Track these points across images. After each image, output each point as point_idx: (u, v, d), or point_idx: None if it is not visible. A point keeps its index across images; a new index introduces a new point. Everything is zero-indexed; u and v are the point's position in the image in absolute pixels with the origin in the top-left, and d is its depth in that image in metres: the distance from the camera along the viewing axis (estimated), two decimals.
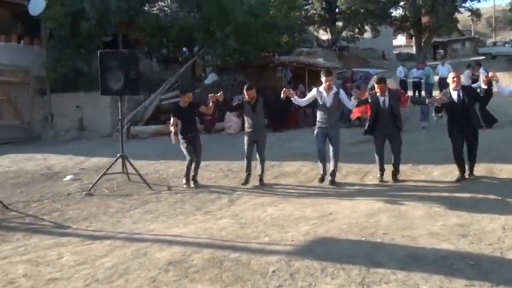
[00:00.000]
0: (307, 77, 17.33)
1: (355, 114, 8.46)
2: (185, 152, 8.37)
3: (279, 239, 5.15)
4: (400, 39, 52.72)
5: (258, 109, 8.30)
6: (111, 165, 8.81)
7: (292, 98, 8.23)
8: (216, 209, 6.91)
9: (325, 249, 4.72)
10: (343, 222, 5.72)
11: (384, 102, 7.78)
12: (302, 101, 8.57)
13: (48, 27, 17.33)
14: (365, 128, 8.15)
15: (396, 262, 4.30)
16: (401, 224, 5.49)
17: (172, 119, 8.40)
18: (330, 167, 7.95)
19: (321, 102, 7.95)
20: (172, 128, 8.42)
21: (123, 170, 8.93)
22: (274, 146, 8.52)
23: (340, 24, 38.93)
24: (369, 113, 8.00)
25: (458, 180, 7.53)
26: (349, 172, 8.58)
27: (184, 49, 21.13)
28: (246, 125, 8.41)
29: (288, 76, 17.52)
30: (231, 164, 9.39)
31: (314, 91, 8.14)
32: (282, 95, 8.10)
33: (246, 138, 8.37)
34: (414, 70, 19.27)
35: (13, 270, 4.81)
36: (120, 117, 9.33)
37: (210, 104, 8.46)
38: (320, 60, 20.18)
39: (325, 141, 7.97)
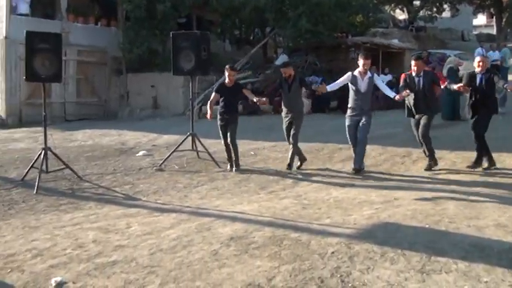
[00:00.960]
0: (380, 58, 16.88)
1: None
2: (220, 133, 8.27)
3: (341, 222, 5.13)
4: (481, 19, 49.38)
5: (293, 88, 7.99)
6: (181, 143, 9.11)
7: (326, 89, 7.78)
8: (280, 189, 6.97)
9: (386, 234, 4.65)
10: (408, 208, 5.59)
11: (418, 82, 7.57)
12: (334, 85, 7.90)
13: (124, 9, 18.02)
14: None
15: (459, 252, 4.16)
16: (468, 214, 5.28)
17: (213, 95, 8.33)
18: (355, 154, 7.66)
19: (354, 87, 7.60)
20: (209, 106, 8.41)
21: (192, 147, 9.21)
22: (342, 128, 8.39)
23: (417, 3, 37.19)
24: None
25: None
26: (419, 157, 8.33)
27: (256, 30, 21.19)
28: (283, 104, 8.22)
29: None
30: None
31: (348, 75, 7.68)
32: (316, 93, 7.93)
33: (283, 120, 8.14)
34: (491, 52, 18.17)
35: (83, 235, 5.14)
36: (191, 97, 9.61)
37: (254, 99, 8.28)
38: (395, 41, 19.54)
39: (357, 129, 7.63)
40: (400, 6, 38.39)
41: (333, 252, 4.23)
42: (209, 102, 8.46)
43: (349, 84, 7.65)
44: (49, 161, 7.98)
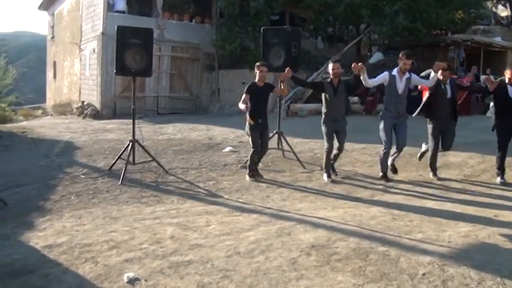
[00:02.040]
0: (482, 57, 15.64)
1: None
2: (250, 140, 7.49)
3: (434, 238, 4.60)
4: None
5: (340, 91, 7.27)
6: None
7: (361, 76, 6.98)
8: (368, 196, 6.51)
9: (484, 257, 4.09)
10: (509, 228, 4.93)
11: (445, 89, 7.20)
12: (370, 82, 7.19)
13: (218, 6, 18.20)
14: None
15: None
16: None
17: (244, 96, 7.29)
18: (390, 159, 7.23)
19: (391, 88, 7.08)
20: (241, 106, 7.24)
21: (278, 146, 8.98)
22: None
23: None
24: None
25: None
26: None
27: (350, 27, 20.53)
28: (325, 111, 7.32)
29: (461, 56, 16.02)
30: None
31: (385, 74, 7.16)
32: (353, 70, 7.01)
33: (324, 128, 7.29)
34: None
35: (162, 231, 5.05)
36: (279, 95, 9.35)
37: (282, 86, 7.63)
38: (498, 39, 17.98)
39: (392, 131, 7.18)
40: (502, 2, 35.54)
41: (424, 274, 3.76)
42: (242, 103, 7.33)
43: (385, 84, 7.17)
44: (137, 153, 8.11)
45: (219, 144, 10.75)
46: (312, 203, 6.20)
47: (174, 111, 18.17)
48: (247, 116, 7.37)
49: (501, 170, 7.07)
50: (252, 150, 7.49)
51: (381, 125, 7.22)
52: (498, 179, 7.04)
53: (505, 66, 10.86)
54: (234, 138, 11.56)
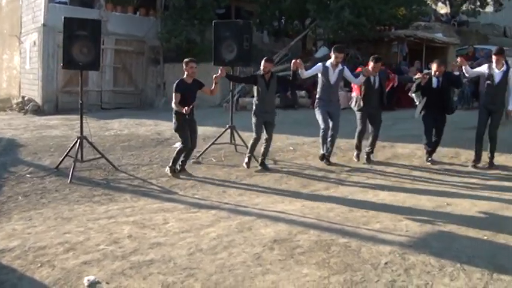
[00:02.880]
0: (424, 52, 16.21)
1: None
2: (180, 137, 7.37)
3: (392, 228, 4.73)
4: None
5: (272, 87, 7.58)
6: (220, 135, 8.86)
7: (299, 70, 7.50)
8: (323, 188, 6.60)
9: (442, 245, 4.24)
10: (462, 216, 5.15)
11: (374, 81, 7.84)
12: (306, 73, 7.68)
13: None
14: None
15: None
16: None
17: (174, 96, 7.19)
18: (327, 146, 7.69)
19: (324, 79, 7.61)
20: (176, 108, 7.14)
21: (231, 140, 8.94)
22: (386, 125, 7.97)
23: None
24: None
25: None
26: (468, 159, 7.81)
27: (296, 21, 20.72)
28: (257, 103, 7.60)
29: (404, 51, 16.49)
30: (339, 141, 8.94)
31: (319, 66, 7.72)
32: (292, 66, 7.51)
33: (254, 119, 7.60)
34: None
35: (118, 230, 4.91)
36: (231, 88, 9.32)
37: (213, 86, 7.53)
38: (439, 35, 18.69)
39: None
40: (442, 0, 37.09)
41: (386, 263, 3.86)
42: (175, 104, 7.28)
43: (319, 75, 7.68)
44: (84, 149, 7.84)
45: (168, 139, 10.57)
46: (269, 197, 6.22)
47: (118, 105, 17.68)
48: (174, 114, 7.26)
49: (430, 153, 7.89)
50: (182, 145, 7.33)
51: (317, 113, 7.71)
52: (425, 158, 7.91)
53: (446, 61, 11.33)
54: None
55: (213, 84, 7.49)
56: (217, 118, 12.12)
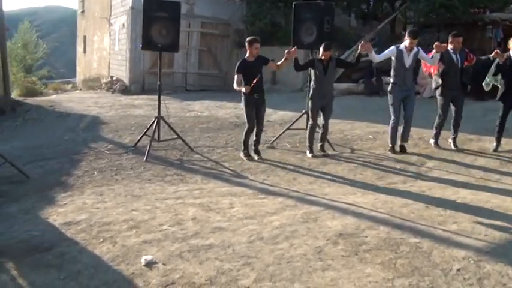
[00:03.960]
0: None
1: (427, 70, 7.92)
2: (245, 117, 7.28)
3: (470, 230, 4.29)
4: None
5: (330, 71, 7.39)
6: (295, 121, 8.65)
7: (369, 54, 7.36)
8: (400, 181, 6.20)
9: None
10: None
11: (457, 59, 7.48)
12: (378, 57, 7.51)
13: None
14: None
15: None
16: None
17: (236, 77, 7.11)
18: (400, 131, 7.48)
19: (399, 63, 7.31)
20: (237, 88, 7.10)
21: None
22: (475, 116, 7.35)
23: None
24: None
25: None
26: None
27: (385, 4, 19.81)
28: (314, 87, 7.46)
29: (499, 37, 15.20)
30: (423, 132, 8.42)
31: (393, 49, 7.41)
32: (359, 49, 7.25)
33: (310, 104, 7.49)
34: None
35: (184, 211, 4.90)
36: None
37: (281, 61, 7.34)
38: None
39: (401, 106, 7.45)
40: None
41: (458, 270, 3.48)
42: (237, 85, 7.24)
43: (393, 58, 7.41)
44: (163, 130, 7.98)
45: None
46: (341, 187, 5.95)
47: (202, 88, 17.98)
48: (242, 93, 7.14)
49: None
50: (246, 126, 7.27)
51: (390, 100, 7.47)
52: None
53: None
54: None
55: (283, 59, 7.29)
56: (297, 103, 11.88)
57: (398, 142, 7.56)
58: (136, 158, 7.28)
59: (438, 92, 7.65)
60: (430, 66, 7.73)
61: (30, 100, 14.55)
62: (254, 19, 17.18)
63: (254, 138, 7.38)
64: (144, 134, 7.79)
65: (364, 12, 20.58)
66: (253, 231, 4.33)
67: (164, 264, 3.68)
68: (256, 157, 7.35)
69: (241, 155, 7.43)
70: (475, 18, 15.74)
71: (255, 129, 7.28)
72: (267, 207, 5.07)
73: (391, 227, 4.31)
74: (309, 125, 7.59)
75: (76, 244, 4.09)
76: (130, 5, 16.73)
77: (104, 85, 18.43)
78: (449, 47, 7.52)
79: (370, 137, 8.81)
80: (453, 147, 7.61)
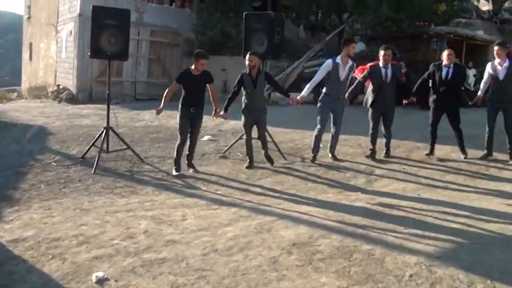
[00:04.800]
0: (464, 51, 15.59)
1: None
2: (178, 130, 7.08)
3: (420, 235, 4.41)
4: None
5: (260, 84, 7.24)
6: None
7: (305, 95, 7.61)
8: (351, 189, 6.31)
9: (473, 258, 3.89)
10: (497, 226, 4.76)
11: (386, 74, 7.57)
12: (313, 80, 7.54)
13: None
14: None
15: None
16: None
17: (172, 84, 7.01)
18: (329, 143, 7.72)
19: (334, 74, 7.32)
20: (164, 98, 7.02)
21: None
22: (421, 124, 7.62)
23: None
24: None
25: None
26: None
27: (333, 16, 20.28)
28: (245, 102, 7.29)
29: (444, 49, 15.88)
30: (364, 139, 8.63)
31: (328, 63, 7.41)
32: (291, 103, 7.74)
33: (243, 119, 7.34)
34: None
35: (135, 224, 4.79)
36: None
37: (214, 109, 7.27)
38: (480, 33, 17.92)
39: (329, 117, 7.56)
40: None
41: (411, 276, 3.57)
42: (167, 91, 7.21)
43: (327, 73, 7.39)
44: (112, 140, 7.78)
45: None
46: (293, 196, 5.98)
47: (152, 97, 17.64)
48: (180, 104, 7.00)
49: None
50: (178, 140, 7.05)
51: (319, 109, 7.55)
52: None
53: (486, 60, 10.79)
54: (213, 126, 11.24)
55: (216, 110, 7.30)
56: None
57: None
58: (85, 170, 7.06)
59: (369, 104, 7.78)
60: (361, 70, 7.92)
61: None
62: (204, 29, 17.18)
63: (187, 152, 7.17)
64: (92, 144, 7.57)
65: (313, 24, 20.99)
66: (207, 243, 4.28)
67: (116, 281, 3.57)
68: (191, 170, 7.11)
69: (173, 171, 7.03)
70: (421, 31, 16.40)
71: (188, 143, 7.08)
72: (220, 218, 5.03)
73: (343, 235, 4.37)
74: (244, 141, 7.49)
75: (24, 262, 3.90)
76: (78, 11, 16.32)
77: (50, 94, 17.83)
78: (380, 61, 7.62)
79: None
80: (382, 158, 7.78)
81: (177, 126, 7.09)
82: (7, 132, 10.24)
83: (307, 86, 7.49)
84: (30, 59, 23.48)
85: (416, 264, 3.74)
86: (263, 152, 7.56)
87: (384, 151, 7.86)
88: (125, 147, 7.80)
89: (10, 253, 4.11)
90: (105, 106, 7.69)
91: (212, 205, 5.56)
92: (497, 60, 7.44)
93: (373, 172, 7.15)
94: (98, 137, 7.58)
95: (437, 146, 7.95)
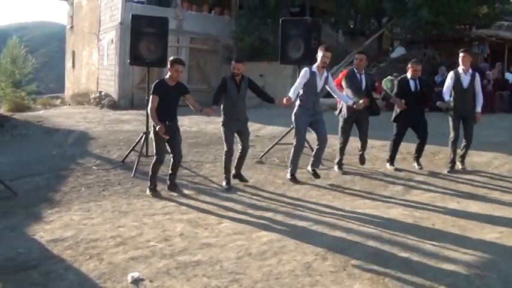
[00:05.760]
0: (506, 54, 15.13)
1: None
2: (154, 148, 6.28)
3: (458, 244, 4.30)
4: None
5: (243, 90, 6.69)
6: (284, 135, 8.65)
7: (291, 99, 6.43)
8: (388, 196, 6.21)
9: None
10: None
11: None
12: (293, 89, 6.56)
13: None
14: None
15: None
16: None
17: (151, 98, 6.14)
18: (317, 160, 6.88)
19: (310, 84, 6.62)
20: (155, 121, 6.05)
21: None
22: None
23: None
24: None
25: None
26: None
27: (372, 20, 20.08)
28: (226, 110, 6.66)
29: (485, 52, 15.48)
30: (411, 146, 8.46)
31: (306, 71, 6.63)
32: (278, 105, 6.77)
33: (223, 128, 6.71)
34: None
35: (172, 227, 4.87)
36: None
37: (197, 107, 6.57)
38: None
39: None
40: None
41: (447, 285, 3.47)
42: (151, 108, 6.25)
43: (305, 80, 6.62)
44: (151, 145, 7.91)
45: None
46: (330, 202, 5.93)
47: None
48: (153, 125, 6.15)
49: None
50: (154, 157, 6.27)
51: (295, 124, 6.81)
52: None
53: None
54: (251, 132, 11.28)
55: (198, 107, 6.55)
56: (286, 118, 11.89)
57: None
58: (124, 174, 7.23)
59: (341, 113, 7.43)
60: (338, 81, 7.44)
61: (18, 115, 14.43)
62: (243, 35, 17.31)
63: (170, 171, 6.47)
64: (132, 149, 7.74)
65: (352, 29, 20.84)
66: (242, 247, 4.30)
67: (151, 281, 3.64)
68: (174, 192, 6.38)
69: (147, 191, 6.31)
70: (461, 35, 16.03)
71: (171, 161, 6.39)
72: (255, 222, 5.04)
73: (379, 242, 4.31)
74: (224, 153, 6.76)
75: (62, 261, 4.03)
76: (119, 20, 16.77)
77: (92, 100, 18.36)
78: (355, 67, 7.36)
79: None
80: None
81: (153, 145, 6.30)
82: (50, 137, 10.61)
83: (293, 89, 6.60)
84: (73, 66, 24.24)
85: (453, 273, 3.65)
86: (235, 169, 6.90)
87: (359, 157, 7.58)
88: None
89: (49, 252, 4.26)
90: (145, 112, 7.83)
91: (248, 209, 5.59)
92: (461, 68, 7.18)
93: (412, 179, 7.01)
94: (138, 141, 7.74)
95: (477, 153, 7.73)
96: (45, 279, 3.70)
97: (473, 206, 5.64)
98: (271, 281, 3.60)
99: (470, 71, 7.19)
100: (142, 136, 7.69)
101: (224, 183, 6.71)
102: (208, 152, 9.00)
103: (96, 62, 19.98)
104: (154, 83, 6.23)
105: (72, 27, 24.67)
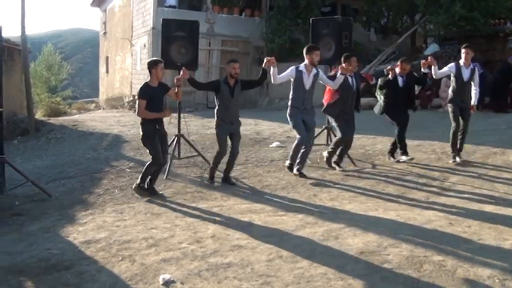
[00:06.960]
0: None
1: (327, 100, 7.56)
2: (148, 149, 6.25)
3: (495, 247, 4.17)
4: None
5: (237, 93, 6.73)
6: (315, 136, 8.54)
7: (271, 71, 6.67)
8: (423, 197, 6.08)
9: None
10: None
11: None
12: (278, 78, 6.81)
13: None
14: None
15: None
16: None
17: (139, 102, 6.12)
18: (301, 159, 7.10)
19: (297, 83, 6.85)
20: (141, 115, 6.17)
21: (327, 142, 8.64)
22: (496, 129, 7.18)
23: None
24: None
25: None
26: None
27: (404, 17, 19.76)
28: (219, 113, 6.74)
29: None
30: (446, 145, 8.28)
31: (292, 70, 6.88)
32: (264, 64, 6.70)
33: (217, 131, 6.76)
34: None
35: (203, 229, 4.88)
36: None
37: (176, 89, 6.53)
38: None
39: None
40: None
41: None
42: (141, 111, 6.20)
43: (292, 80, 6.93)
44: (184, 147, 8.01)
45: (266, 139, 10.51)
46: (362, 203, 5.85)
47: None
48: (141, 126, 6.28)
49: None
50: (151, 160, 6.18)
51: (291, 123, 7.08)
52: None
53: None
54: (282, 133, 11.29)
55: (175, 88, 6.50)
56: (318, 118, 11.80)
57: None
58: None
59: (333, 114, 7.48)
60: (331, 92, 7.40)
61: (53, 120, 14.81)
62: (273, 36, 17.32)
63: (148, 176, 6.32)
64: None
65: (384, 27, 20.56)
66: (273, 249, 4.28)
67: (182, 283, 3.66)
68: (160, 197, 6.32)
69: (133, 188, 6.31)
70: (496, 30, 15.60)
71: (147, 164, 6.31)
72: (286, 224, 5.01)
73: (413, 245, 4.21)
74: (215, 152, 6.88)
75: (95, 263, 4.10)
76: (151, 25, 17.03)
77: (126, 104, 18.68)
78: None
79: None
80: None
81: (147, 148, 6.31)
82: (85, 141, 10.84)
83: (278, 76, 6.83)
84: (107, 71, 24.75)
85: (490, 277, 3.53)
86: (224, 172, 6.96)
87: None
88: (196, 154, 8.00)
89: (82, 254, 4.34)
90: (177, 115, 7.93)
91: (279, 211, 5.56)
92: (462, 61, 7.53)
93: (447, 179, 6.85)
94: (170, 144, 7.80)
95: None
96: (78, 280, 3.77)
97: (510, 209, 5.45)
98: (302, 284, 3.56)
99: (471, 65, 7.52)
100: (174, 138, 7.76)
101: (208, 177, 7.02)
102: (240, 153, 8.98)
103: (129, 67, 20.34)
104: (140, 87, 6.28)
105: (105, 33, 25.19)
